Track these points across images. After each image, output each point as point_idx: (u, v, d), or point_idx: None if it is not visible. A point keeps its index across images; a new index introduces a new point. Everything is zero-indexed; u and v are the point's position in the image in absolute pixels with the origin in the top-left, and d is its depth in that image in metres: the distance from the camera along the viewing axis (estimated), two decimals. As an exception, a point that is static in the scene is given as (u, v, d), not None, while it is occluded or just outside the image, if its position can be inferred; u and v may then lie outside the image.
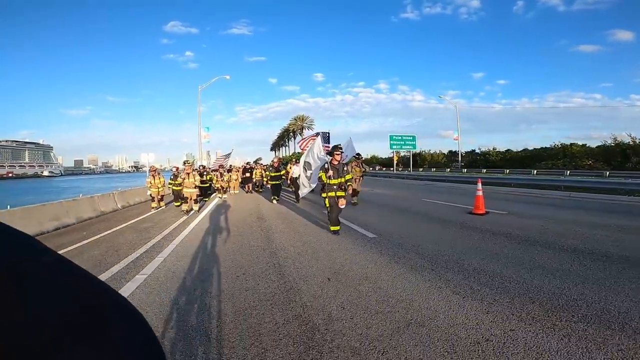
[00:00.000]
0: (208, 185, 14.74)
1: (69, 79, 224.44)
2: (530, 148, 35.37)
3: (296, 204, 11.04)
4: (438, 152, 52.69)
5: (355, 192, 9.99)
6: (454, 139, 46.56)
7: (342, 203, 6.12)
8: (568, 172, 20.02)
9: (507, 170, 26.06)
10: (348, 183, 6.32)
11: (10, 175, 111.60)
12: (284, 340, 2.39)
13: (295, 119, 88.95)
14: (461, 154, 42.82)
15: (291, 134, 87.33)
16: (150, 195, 11.82)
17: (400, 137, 31.97)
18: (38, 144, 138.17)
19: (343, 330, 2.48)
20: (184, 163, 11.25)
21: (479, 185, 8.06)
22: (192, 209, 10.17)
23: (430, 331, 2.42)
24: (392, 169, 37.48)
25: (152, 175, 11.90)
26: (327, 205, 6.30)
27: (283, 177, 14.09)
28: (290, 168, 14.33)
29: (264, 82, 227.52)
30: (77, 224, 9.30)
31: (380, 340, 2.31)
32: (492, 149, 40.88)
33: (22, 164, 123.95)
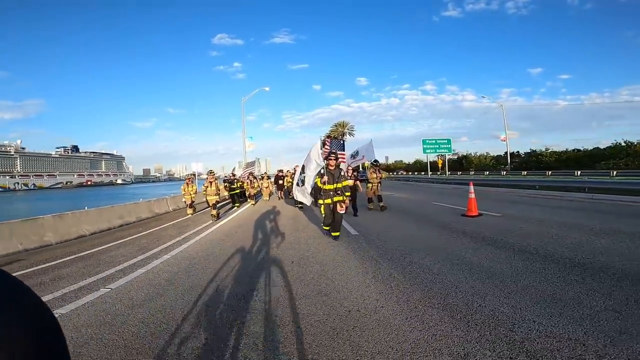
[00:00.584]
0: (239, 192, 15.93)
1: (135, 93, 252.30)
2: (603, 147, 32.63)
3: (314, 208, 11.30)
4: (485, 154, 50.65)
5: (380, 198, 10.39)
6: (501, 140, 44.64)
7: (341, 208, 6.16)
8: (614, 172, 18.48)
9: (549, 172, 24.55)
10: (346, 192, 6.30)
11: (89, 183, 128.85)
12: (231, 295, 3.64)
13: (335, 125, 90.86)
14: (511, 156, 40.94)
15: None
16: (185, 201, 12.83)
17: (434, 141, 31.52)
18: (112, 154, 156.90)
19: (273, 292, 3.64)
20: (208, 173, 12.07)
21: (471, 188, 8.54)
22: (219, 215, 11.08)
23: (328, 299, 3.37)
24: (428, 173, 36.99)
25: (187, 183, 12.73)
26: (322, 212, 6.55)
27: None
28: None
29: (308, 89, 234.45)
30: (136, 222, 11.59)
31: (293, 300, 3.41)
32: (545, 149, 38.43)
33: (100, 173, 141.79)
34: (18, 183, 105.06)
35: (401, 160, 78.85)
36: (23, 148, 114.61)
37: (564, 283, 3.48)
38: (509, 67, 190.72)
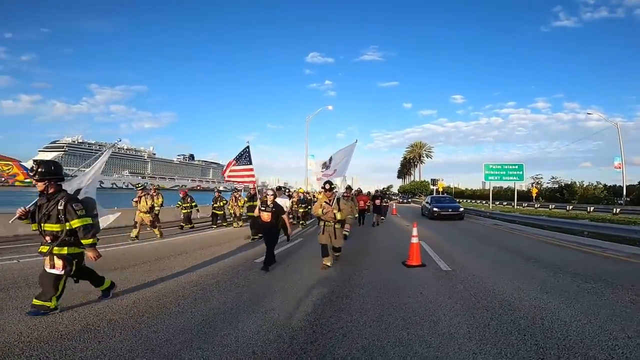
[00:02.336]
0: (222, 212, 14.13)
1: (244, 109, 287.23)
2: None
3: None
4: (595, 184, 41.62)
5: (336, 249, 6.85)
6: (615, 167, 36.20)
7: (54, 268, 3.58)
8: None
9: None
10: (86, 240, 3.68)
11: (199, 187, 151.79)
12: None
13: (412, 147, 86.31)
14: (625, 187, 32.68)
15: (411, 161, 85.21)
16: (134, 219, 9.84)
17: (500, 167, 26.47)
18: (218, 164, 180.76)
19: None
20: (136, 186, 10.86)
21: (414, 231, 7.16)
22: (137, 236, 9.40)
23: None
24: (490, 202, 31.58)
25: (140, 196, 9.72)
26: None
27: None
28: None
29: (398, 107, 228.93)
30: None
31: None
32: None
33: (207, 180, 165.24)
34: (147, 182, 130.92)
35: (504, 187, 64.95)
36: (154, 154, 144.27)
37: None
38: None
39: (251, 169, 8.29)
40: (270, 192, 6.44)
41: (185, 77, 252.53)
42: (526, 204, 35.25)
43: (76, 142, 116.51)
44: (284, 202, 9.10)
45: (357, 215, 9.16)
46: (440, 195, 33.63)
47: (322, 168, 9.26)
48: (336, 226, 6.51)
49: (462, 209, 18.53)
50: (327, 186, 6.59)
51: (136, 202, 9.77)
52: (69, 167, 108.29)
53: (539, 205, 33.53)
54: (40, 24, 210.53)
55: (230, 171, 8.38)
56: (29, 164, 75.01)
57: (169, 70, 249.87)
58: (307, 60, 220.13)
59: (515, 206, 29.06)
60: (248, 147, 8.35)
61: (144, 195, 9.71)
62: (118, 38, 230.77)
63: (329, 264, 6.37)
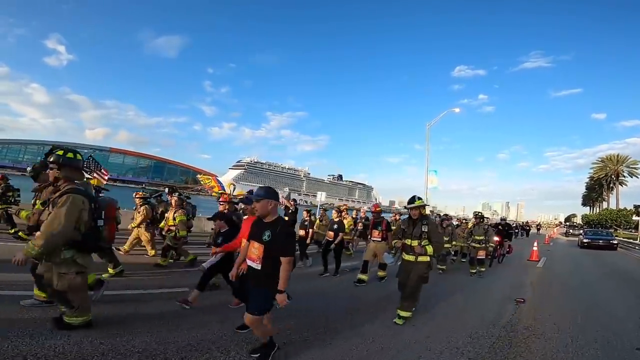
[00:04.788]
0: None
1: (391, 133, 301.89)
2: None
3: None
4: None
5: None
6: None
7: None
8: None
9: None
10: None
11: (346, 207, 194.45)
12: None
13: (602, 162, 61.20)
14: None
15: (603, 182, 61.74)
16: None
17: None
18: (364, 185, 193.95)
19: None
20: (36, 177, 6.53)
21: None
22: None
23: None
24: None
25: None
26: None
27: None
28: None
29: (584, 119, 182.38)
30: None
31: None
32: None
33: (352, 199, 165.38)
34: (302, 199, 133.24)
35: None
36: (309, 173, 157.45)
37: None
38: None
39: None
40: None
41: (338, 101, 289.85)
42: None
43: (253, 162, 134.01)
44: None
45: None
46: None
47: None
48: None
49: None
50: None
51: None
52: (247, 182, 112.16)
53: None
54: (229, 59, 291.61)
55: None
56: (224, 178, 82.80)
57: (324, 97, 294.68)
58: (454, 75, 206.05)
59: None
60: None
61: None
62: (284, 70, 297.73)
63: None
